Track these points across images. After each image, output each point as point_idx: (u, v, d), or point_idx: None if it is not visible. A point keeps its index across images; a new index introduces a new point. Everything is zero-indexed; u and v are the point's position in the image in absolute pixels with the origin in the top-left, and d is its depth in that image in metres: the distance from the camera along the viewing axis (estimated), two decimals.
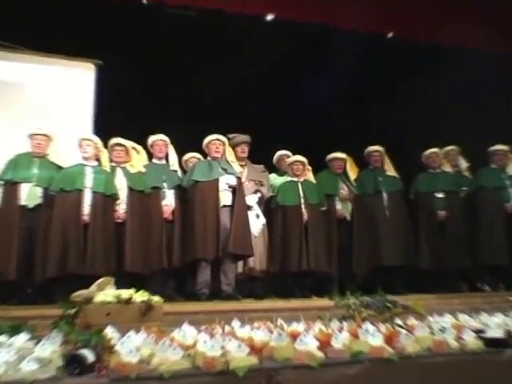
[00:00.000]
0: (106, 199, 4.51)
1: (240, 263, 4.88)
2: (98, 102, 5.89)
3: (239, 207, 4.60)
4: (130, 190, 4.64)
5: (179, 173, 5.01)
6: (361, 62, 6.14)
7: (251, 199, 5.02)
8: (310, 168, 5.36)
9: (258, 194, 5.13)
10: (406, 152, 5.51)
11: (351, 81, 6.20)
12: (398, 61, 6.28)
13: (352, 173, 5.44)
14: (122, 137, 4.78)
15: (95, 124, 5.81)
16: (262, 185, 5.21)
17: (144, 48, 5.92)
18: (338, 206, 5.20)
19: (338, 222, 5.14)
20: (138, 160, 4.83)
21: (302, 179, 5.26)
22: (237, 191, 4.67)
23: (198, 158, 5.22)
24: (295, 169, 5.25)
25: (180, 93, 6.10)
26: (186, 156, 5.36)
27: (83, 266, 4.17)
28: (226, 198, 4.65)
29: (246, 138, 5.29)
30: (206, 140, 4.90)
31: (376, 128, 5.99)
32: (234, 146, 5.18)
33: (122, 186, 4.65)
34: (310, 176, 5.34)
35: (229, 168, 4.81)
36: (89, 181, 4.49)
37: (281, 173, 5.51)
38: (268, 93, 6.36)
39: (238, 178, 4.79)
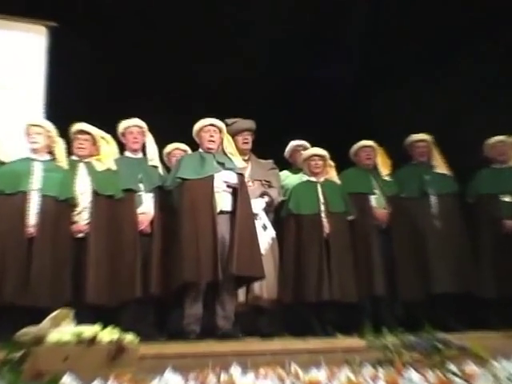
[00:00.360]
0: (60, 206, 4.54)
1: (241, 290, 4.94)
2: (51, 77, 5.98)
3: (243, 213, 4.65)
4: (96, 194, 4.69)
5: (160, 170, 5.06)
6: (387, 27, 6.38)
7: (256, 205, 5.08)
8: (332, 164, 5.44)
9: (266, 199, 5.20)
10: (458, 142, 5.61)
11: (378, 54, 6.45)
12: (440, 22, 6.46)
13: (383, 166, 5.57)
14: (83, 122, 4.85)
15: (47, 106, 5.91)
16: (270, 186, 5.30)
17: (113, 5, 6.06)
18: (374, 205, 5.35)
19: (368, 235, 5.23)
20: (107, 153, 4.90)
21: (322, 179, 5.34)
22: (238, 192, 4.71)
23: (185, 150, 5.32)
24: (313, 165, 5.32)
25: (161, 66, 6.23)
26: (169, 147, 5.43)
27: (25, 294, 4.18)
28: (224, 201, 4.70)
29: (249, 123, 5.38)
30: (197, 126, 4.93)
31: (414, 112, 6.17)
32: (233, 135, 5.25)
33: (84, 188, 4.71)
34: (332, 175, 5.44)
35: (227, 162, 4.86)
36: (37, 180, 4.52)
37: (295, 170, 5.63)
38: (277, 71, 6.54)
39: (240, 175, 4.85)
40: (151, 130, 5.10)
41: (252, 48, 6.30)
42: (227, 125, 5.15)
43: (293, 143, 5.76)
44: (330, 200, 5.21)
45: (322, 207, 5.17)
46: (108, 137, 4.99)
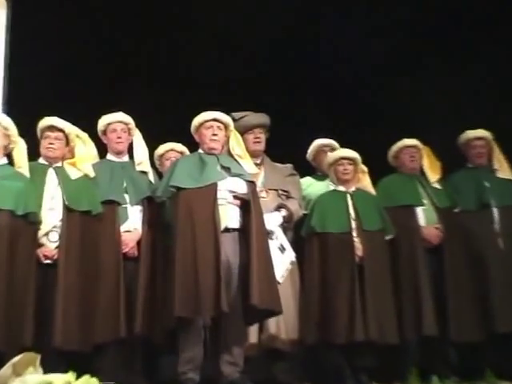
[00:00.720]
0: (18, 222, 4.54)
1: (253, 329, 4.95)
2: (12, 58, 6.01)
3: (255, 230, 4.67)
4: (68, 208, 4.70)
5: (151, 176, 5.10)
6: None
7: (271, 221, 5.12)
8: (365, 169, 5.47)
9: (283, 213, 5.22)
10: None
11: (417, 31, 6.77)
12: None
13: (432, 171, 5.63)
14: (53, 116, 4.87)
15: (6, 95, 5.93)
16: (288, 197, 5.32)
17: None
18: (421, 220, 5.39)
19: (413, 259, 5.26)
20: (84, 156, 4.95)
21: (352, 188, 5.37)
22: (250, 205, 4.73)
23: (182, 152, 5.36)
24: (341, 171, 5.33)
25: (151, 47, 6.39)
26: (162, 149, 5.46)
27: None
28: (229, 216, 4.71)
29: (262, 118, 5.42)
30: (197, 121, 4.97)
31: (466, 103, 6.35)
32: (242, 132, 5.28)
33: (54, 201, 4.73)
34: (365, 183, 5.50)
35: (234, 167, 4.89)
36: None
37: (320, 176, 5.69)
38: (294, 54, 6.85)
39: (251, 184, 4.88)
40: (140, 126, 5.13)
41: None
42: (234, 120, 5.17)
43: (317, 142, 5.79)
44: (362, 215, 5.23)
45: (353, 224, 5.19)
46: (85, 135, 5.02)
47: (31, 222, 4.56)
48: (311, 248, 5.22)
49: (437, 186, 5.65)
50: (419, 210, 5.49)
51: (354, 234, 5.16)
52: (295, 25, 6.88)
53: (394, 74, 6.95)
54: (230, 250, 4.64)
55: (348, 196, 5.32)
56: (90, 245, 4.76)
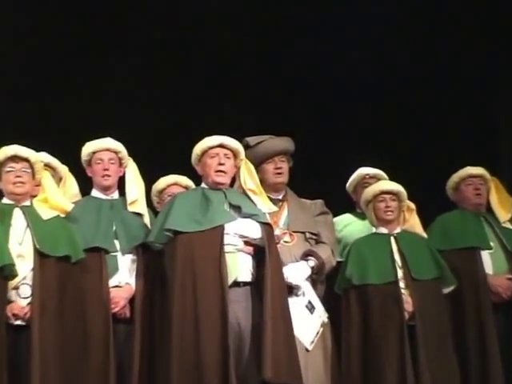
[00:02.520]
0: None
1: None
2: None
3: (270, 284, 4.41)
4: (41, 255, 4.34)
5: (147, 219, 4.79)
6: None
7: (297, 272, 4.80)
8: (413, 206, 5.14)
9: (311, 262, 4.84)
10: None
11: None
12: None
13: (502, 207, 5.38)
14: (19, 143, 4.57)
15: None
16: (319, 241, 4.98)
17: None
18: (489, 267, 5.15)
19: (480, 317, 4.99)
20: (57, 191, 4.68)
21: (397, 230, 5.05)
22: (265, 253, 4.43)
23: (187, 188, 5.13)
24: (382, 209, 5.00)
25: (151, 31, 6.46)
26: (163, 182, 5.22)
27: None
28: (240, 266, 4.46)
29: (284, 143, 5.11)
30: (199, 148, 4.68)
31: None
32: (260, 162, 5.00)
33: (22, 246, 4.41)
34: (413, 223, 5.17)
35: (246, 205, 4.60)
36: None
37: (361, 214, 5.37)
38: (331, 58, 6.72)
39: (267, 226, 4.56)
40: (134, 155, 4.86)
41: None
42: (249, 146, 4.94)
43: (361, 171, 5.47)
44: (411, 260, 4.89)
45: (400, 272, 4.86)
46: (57, 164, 4.82)
47: (5, 276, 4.32)
48: (348, 305, 4.89)
49: (508, 225, 5.36)
50: (485, 255, 5.21)
51: (402, 284, 4.84)
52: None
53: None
54: (240, 310, 4.38)
55: (392, 239, 5.00)
56: (71, 301, 4.45)
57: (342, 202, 5.61)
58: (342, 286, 4.93)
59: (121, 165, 4.81)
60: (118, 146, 4.80)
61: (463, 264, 5.13)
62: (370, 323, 4.80)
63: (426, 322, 4.77)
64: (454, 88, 6.94)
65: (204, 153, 4.63)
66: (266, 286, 4.34)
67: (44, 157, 4.76)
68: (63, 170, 4.86)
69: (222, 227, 4.39)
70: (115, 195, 4.83)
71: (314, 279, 4.86)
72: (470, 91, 6.88)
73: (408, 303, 4.74)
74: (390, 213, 4.97)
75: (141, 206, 4.78)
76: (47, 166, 4.73)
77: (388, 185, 5.06)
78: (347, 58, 6.98)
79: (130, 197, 4.75)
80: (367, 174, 5.45)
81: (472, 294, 5.06)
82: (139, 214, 4.76)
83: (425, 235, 5.14)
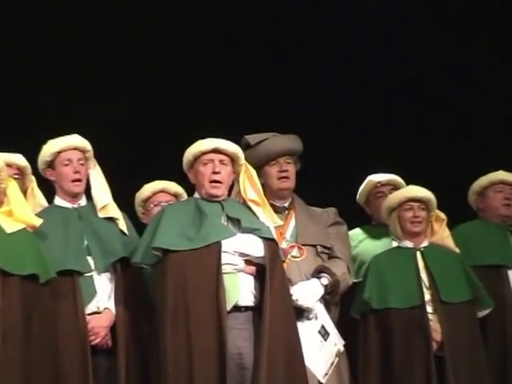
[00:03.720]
0: None
1: None
2: None
3: (270, 308, 4.16)
4: (3, 273, 4.07)
5: (122, 224, 4.49)
6: None
7: (308, 292, 4.56)
8: (443, 217, 4.92)
9: (324, 280, 4.59)
10: None
11: None
12: None
13: None
14: None
15: None
16: (332, 256, 4.75)
17: None
18: None
19: (505, 340, 4.86)
20: (24, 204, 4.38)
21: (424, 243, 4.80)
22: (267, 272, 4.17)
23: (177, 196, 4.90)
24: (409, 219, 4.76)
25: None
26: (148, 189, 4.94)
27: None
28: (240, 289, 4.21)
29: (290, 141, 4.85)
30: (191, 153, 4.40)
31: None
32: (261, 164, 4.72)
33: None
34: (443, 234, 4.97)
35: (247, 218, 4.32)
36: None
37: (377, 227, 5.17)
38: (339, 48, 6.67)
39: (271, 242, 4.27)
40: (100, 153, 4.54)
41: None
42: (249, 146, 4.67)
43: (370, 180, 5.18)
44: (440, 281, 4.62)
45: (427, 295, 4.58)
46: (29, 171, 4.55)
47: None
48: (367, 332, 4.63)
49: None
50: None
51: (429, 309, 4.56)
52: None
53: None
54: (241, 338, 4.13)
55: (418, 254, 4.72)
56: (40, 331, 4.12)
57: (358, 213, 5.46)
58: (358, 309, 4.70)
59: (86, 167, 4.53)
60: (87, 144, 4.49)
61: (487, 284, 4.86)
62: (392, 354, 4.57)
63: (457, 353, 4.52)
64: (486, 88, 6.81)
65: (196, 159, 4.34)
66: (266, 310, 4.09)
67: (19, 160, 4.50)
68: (31, 177, 4.59)
69: (218, 244, 4.11)
70: (83, 202, 4.50)
71: (327, 300, 4.60)
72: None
73: (436, 331, 4.50)
74: (418, 224, 4.71)
75: (113, 210, 4.47)
76: (20, 170, 4.50)
77: (418, 191, 4.79)
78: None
79: (100, 202, 4.44)
80: (379, 182, 5.17)
81: (497, 320, 4.85)
82: (114, 220, 4.46)
83: (457, 250, 4.89)
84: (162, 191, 4.86)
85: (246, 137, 4.68)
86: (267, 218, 4.37)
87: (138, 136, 5.52)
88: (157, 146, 5.43)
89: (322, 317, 4.56)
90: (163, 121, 5.88)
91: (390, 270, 4.72)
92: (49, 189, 4.62)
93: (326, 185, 5.68)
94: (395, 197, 4.82)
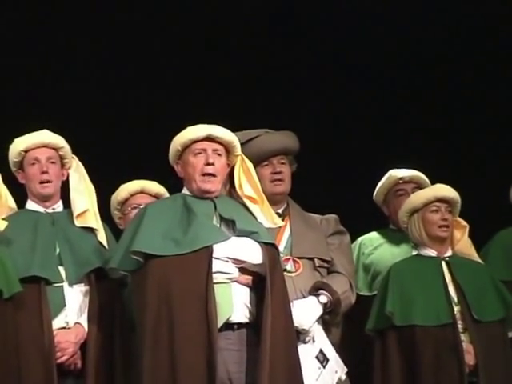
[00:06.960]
0: None
1: None
2: None
3: (278, 329, 3.88)
4: None
5: (101, 235, 4.28)
6: None
7: (304, 312, 4.35)
8: (465, 224, 4.72)
9: (323, 298, 4.37)
10: None
11: None
12: None
13: None
14: None
15: None
16: (331, 270, 4.55)
17: None
18: None
19: None
20: None
21: (448, 252, 4.56)
22: (267, 283, 3.90)
23: (157, 196, 4.77)
24: (437, 222, 4.48)
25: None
26: (126, 190, 4.75)
27: None
28: (234, 302, 3.94)
29: (283, 139, 4.67)
30: (179, 141, 4.11)
31: None
32: (257, 162, 4.47)
33: None
34: (465, 243, 4.73)
35: (242, 218, 4.06)
36: None
37: (396, 232, 4.96)
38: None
39: (270, 247, 4.00)
40: (83, 152, 4.35)
41: None
42: (246, 140, 4.46)
43: (391, 175, 4.92)
44: (471, 296, 4.36)
45: (457, 312, 4.29)
46: None
47: None
48: (387, 350, 4.32)
49: None
50: None
51: (460, 327, 4.30)
52: None
53: None
54: (232, 361, 3.86)
55: (444, 265, 4.42)
56: (2, 347, 3.98)
57: (366, 218, 5.23)
58: (375, 325, 4.36)
59: (63, 166, 4.27)
60: (59, 140, 4.24)
61: None
62: (418, 378, 4.23)
63: (492, 378, 4.21)
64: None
65: (186, 148, 4.03)
66: (265, 331, 3.79)
67: None
68: None
69: (209, 249, 3.80)
70: (58, 207, 4.29)
71: (326, 321, 4.36)
72: None
73: (469, 353, 4.19)
74: (445, 228, 4.42)
75: (92, 219, 4.24)
76: None
77: (448, 191, 4.51)
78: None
79: (77, 208, 4.21)
80: (401, 178, 4.84)
81: None
82: (92, 230, 4.23)
83: (480, 261, 4.66)
84: (141, 192, 4.67)
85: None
86: (266, 217, 4.08)
87: (112, 124, 5.44)
88: (134, 138, 5.42)
89: (321, 340, 4.32)
90: (141, 107, 5.85)
91: (412, 281, 4.43)
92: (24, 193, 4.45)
93: (325, 189, 5.66)
94: (421, 195, 4.53)
